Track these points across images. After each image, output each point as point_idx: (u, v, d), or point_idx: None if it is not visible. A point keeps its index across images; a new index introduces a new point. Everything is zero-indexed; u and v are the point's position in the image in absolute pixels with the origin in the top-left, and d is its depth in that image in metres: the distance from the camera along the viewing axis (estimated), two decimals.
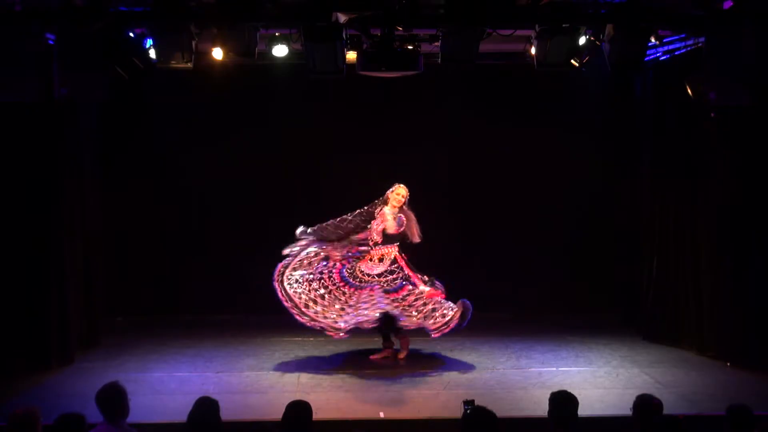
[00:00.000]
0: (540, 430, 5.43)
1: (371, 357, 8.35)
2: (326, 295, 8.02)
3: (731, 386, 7.49)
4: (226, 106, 10.24)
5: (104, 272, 9.65)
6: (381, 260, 8.21)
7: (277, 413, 4.82)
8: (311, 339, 9.05)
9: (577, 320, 10.03)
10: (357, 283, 8.13)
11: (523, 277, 10.41)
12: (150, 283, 10.40)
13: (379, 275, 8.14)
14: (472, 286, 9.74)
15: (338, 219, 8.30)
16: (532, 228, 10.50)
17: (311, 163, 10.36)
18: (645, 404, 4.78)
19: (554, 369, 8.13)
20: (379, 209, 8.23)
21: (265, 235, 10.27)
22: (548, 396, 4.81)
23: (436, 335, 7.87)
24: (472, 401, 5.13)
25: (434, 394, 7.31)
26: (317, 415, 4.89)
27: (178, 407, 5.84)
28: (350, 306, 7.95)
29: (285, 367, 8.17)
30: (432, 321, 7.84)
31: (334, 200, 10.28)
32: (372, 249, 8.22)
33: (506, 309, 10.29)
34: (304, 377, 7.82)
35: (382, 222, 8.17)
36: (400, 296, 8.00)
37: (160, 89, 9.64)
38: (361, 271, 8.19)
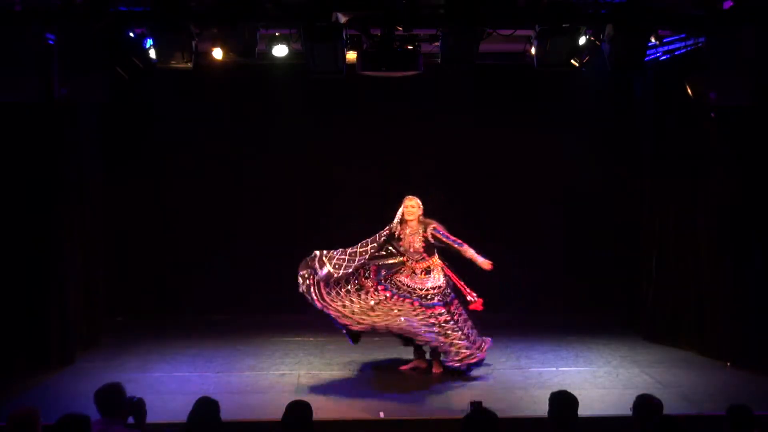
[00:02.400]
0: (540, 430, 5.43)
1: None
2: (361, 293, 7.67)
3: (731, 386, 7.50)
4: (226, 106, 10.25)
5: (104, 272, 9.63)
6: (428, 272, 7.81)
7: (277, 413, 4.82)
8: (311, 339, 9.07)
9: (577, 320, 10.02)
10: (396, 291, 7.73)
11: (523, 276, 10.41)
12: (150, 283, 10.40)
13: (432, 288, 7.74)
14: (471, 286, 9.74)
15: (350, 250, 7.73)
16: (531, 228, 10.50)
17: (311, 163, 10.35)
18: (645, 404, 4.78)
19: (554, 369, 8.13)
20: (398, 229, 7.81)
21: (266, 234, 10.31)
22: (548, 396, 4.81)
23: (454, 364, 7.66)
24: (480, 403, 5.11)
25: (434, 395, 7.31)
26: (317, 415, 4.89)
27: (178, 407, 5.84)
28: (381, 308, 7.66)
29: (285, 367, 8.17)
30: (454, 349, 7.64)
31: (335, 200, 10.34)
32: (417, 261, 7.79)
33: (506, 309, 10.30)
34: (304, 377, 7.82)
35: (411, 239, 7.78)
36: (435, 313, 7.68)
37: (160, 89, 9.64)
38: (402, 283, 7.75)
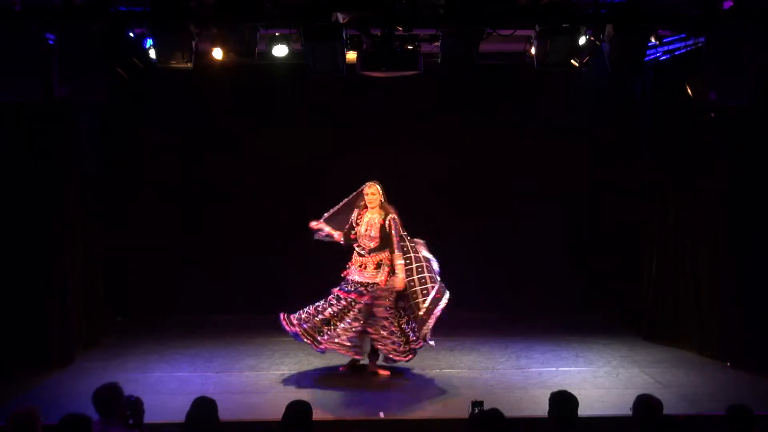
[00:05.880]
0: (540, 430, 5.44)
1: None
2: (338, 312, 7.67)
3: (731, 386, 7.51)
4: (226, 106, 10.25)
5: (104, 272, 9.64)
6: (378, 267, 7.70)
7: (277, 413, 4.83)
8: None
9: (577, 320, 10.02)
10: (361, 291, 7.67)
11: (523, 276, 10.41)
12: (150, 283, 10.40)
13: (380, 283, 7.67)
14: (472, 286, 9.74)
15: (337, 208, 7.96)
16: (531, 228, 10.49)
17: (311, 164, 10.34)
18: (645, 404, 4.78)
19: (554, 369, 8.14)
20: (356, 213, 7.84)
21: (265, 234, 10.30)
22: (548, 396, 4.82)
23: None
24: (481, 402, 5.11)
25: (434, 395, 7.32)
26: (317, 415, 4.89)
27: (178, 407, 5.82)
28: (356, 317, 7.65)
29: (285, 367, 8.17)
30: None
31: (335, 200, 10.31)
32: (366, 255, 7.73)
33: (506, 309, 10.30)
34: (304, 377, 7.81)
35: (370, 225, 7.74)
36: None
37: (160, 89, 9.65)
38: (358, 282, 7.68)
